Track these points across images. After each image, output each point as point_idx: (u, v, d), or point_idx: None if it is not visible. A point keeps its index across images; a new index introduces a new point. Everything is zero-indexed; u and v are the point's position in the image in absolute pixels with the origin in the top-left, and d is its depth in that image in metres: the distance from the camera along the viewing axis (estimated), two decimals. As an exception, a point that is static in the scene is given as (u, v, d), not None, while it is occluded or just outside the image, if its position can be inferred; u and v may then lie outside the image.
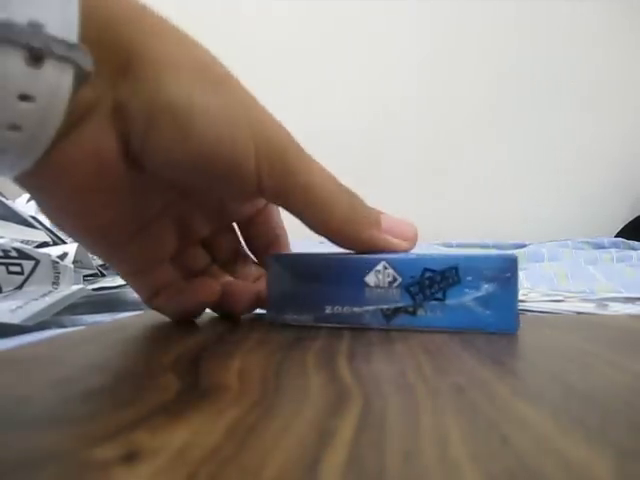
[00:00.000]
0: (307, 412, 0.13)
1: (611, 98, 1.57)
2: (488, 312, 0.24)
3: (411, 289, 0.24)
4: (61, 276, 0.48)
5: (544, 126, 1.59)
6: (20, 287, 0.45)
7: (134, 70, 0.19)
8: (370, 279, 0.25)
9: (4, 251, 0.45)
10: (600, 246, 1.19)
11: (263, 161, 0.21)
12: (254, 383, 0.16)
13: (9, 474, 0.10)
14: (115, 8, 0.19)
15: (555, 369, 0.17)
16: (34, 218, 0.62)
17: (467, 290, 0.24)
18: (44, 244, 0.59)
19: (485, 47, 1.60)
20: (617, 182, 1.56)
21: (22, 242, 0.51)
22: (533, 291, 0.55)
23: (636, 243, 1.20)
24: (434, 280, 0.24)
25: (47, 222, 0.64)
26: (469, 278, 0.24)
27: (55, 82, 0.17)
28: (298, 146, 0.23)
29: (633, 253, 1.00)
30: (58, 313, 0.41)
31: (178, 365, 0.18)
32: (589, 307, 0.46)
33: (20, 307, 0.39)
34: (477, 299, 0.24)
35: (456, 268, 0.24)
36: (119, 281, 0.55)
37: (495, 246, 1.14)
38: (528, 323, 0.27)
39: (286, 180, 0.22)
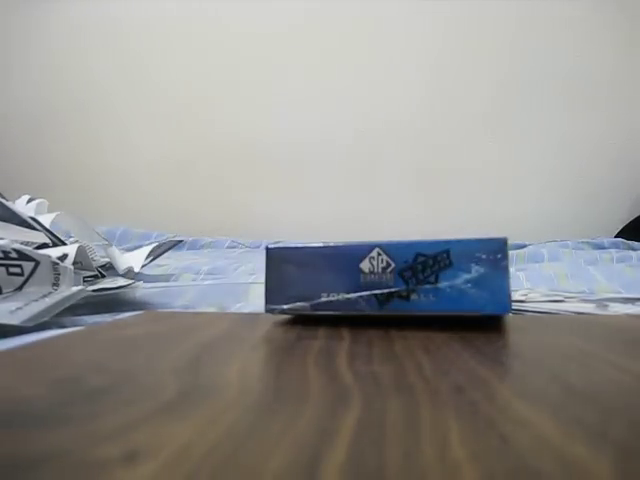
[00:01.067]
0: (307, 412, 0.13)
1: (611, 98, 1.57)
2: (480, 293, 0.24)
3: (404, 274, 0.25)
4: (61, 277, 0.48)
5: (544, 126, 1.59)
6: (20, 288, 0.45)
7: None
8: (365, 265, 0.25)
9: (4, 252, 0.45)
10: (600, 246, 1.19)
11: None
12: (254, 383, 0.16)
13: (9, 474, 0.10)
14: None
15: (555, 369, 0.17)
16: (34, 219, 0.62)
17: (459, 273, 0.24)
18: (44, 245, 0.59)
19: (484, 48, 1.60)
20: (617, 182, 1.56)
21: (22, 243, 0.51)
22: (533, 291, 0.55)
23: (636, 243, 1.20)
24: (426, 264, 0.24)
25: (47, 223, 0.64)
26: (462, 261, 0.24)
27: None
28: None
29: (633, 253, 1.00)
30: (58, 314, 0.41)
31: (178, 365, 0.18)
32: (589, 307, 0.46)
33: (20, 308, 0.39)
34: (469, 281, 0.24)
35: (448, 252, 0.24)
36: (119, 282, 0.55)
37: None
38: (528, 323, 0.27)
39: None
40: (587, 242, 1.21)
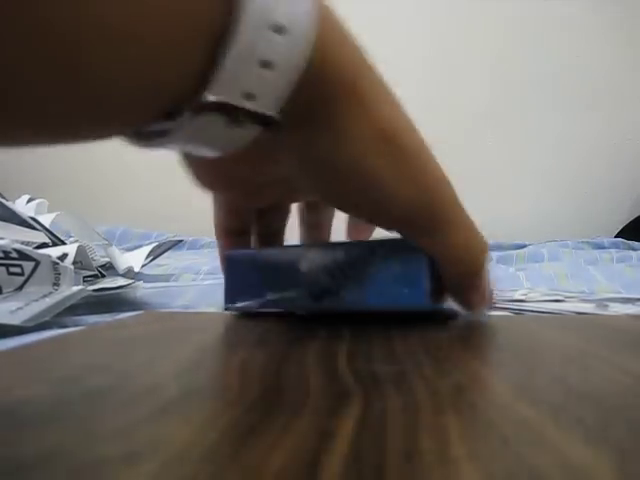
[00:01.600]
0: (307, 412, 0.13)
1: (611, 98, 1.57)
2: (403, 290, 0.26)
3: (334, 272, 0.27)
4: (61, 277, 0.48)
5: (544, 126, 1.59)
6: (20, 288, 0.45)
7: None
8: (302, 265, 0.28)
9: (4, 252, 0.45)
10: (600, 246, 1.19)
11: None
12: (254, 383, 0.16)
13: (9, 474, 0.10)
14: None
15: (555, 369, 0.17)
16: (34, 219, 0.62)
17: (384, 270, 0.26)
18: (44, 245, 0.59)
19: (484, 47, 1.60)
20: (617, 182, 1.56)
21: (22, 243, 0.51)
22: (533, 291, 0.55)
23: (636, 243, 1.20)
24: (354, 263, 0.27)
25: (47, 223, 0.64)
26: (385, 259, 0.26)
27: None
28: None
29: (633, 253, 1.00)
30: (59, 314, 0.41)
31: (178, 365, 0.18)
32: (589, 307, 0.46)
33: (20, 308, 0.39)
34: (393, 278, 0.26)
35: (373, 251, 0.26)
36: (119, 282, 0.55)
37: (495, 246, 1.14)
38: (528, 323, 0.27)
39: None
40: (587, 242, 1.21)
